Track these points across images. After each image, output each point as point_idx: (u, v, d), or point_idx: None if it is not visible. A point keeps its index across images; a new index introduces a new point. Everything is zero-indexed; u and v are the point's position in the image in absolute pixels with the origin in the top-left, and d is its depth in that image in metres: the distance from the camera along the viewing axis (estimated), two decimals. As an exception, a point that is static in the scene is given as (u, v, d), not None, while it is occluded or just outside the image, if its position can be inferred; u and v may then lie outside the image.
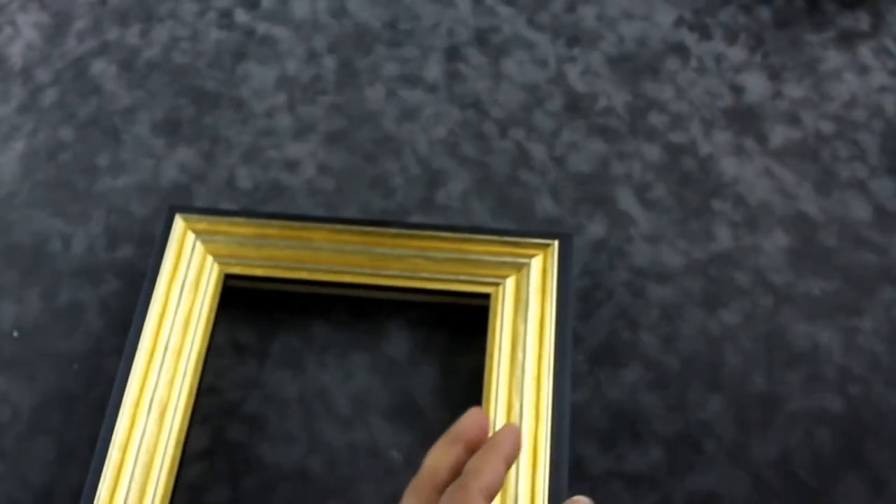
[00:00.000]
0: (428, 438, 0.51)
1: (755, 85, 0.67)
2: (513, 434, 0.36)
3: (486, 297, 0.54)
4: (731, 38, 0.70)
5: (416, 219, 0.60)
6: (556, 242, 0.54)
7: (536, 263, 0.54)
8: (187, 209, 0.57)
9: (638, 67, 0.68)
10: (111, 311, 0.57)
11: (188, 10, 0.72)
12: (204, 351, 0.52)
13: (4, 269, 0.59)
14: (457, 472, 0.35)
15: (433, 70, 0.68)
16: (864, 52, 0.69)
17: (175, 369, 0.51)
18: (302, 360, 0.55)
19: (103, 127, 0.65)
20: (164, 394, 0.50)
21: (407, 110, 0.66)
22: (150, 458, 0.48)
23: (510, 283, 0.53)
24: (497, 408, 0.49)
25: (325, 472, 0.51)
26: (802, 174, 0.63)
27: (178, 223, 0.55)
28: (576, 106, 0.66)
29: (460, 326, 0.56)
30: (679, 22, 0.71)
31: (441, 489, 0.34)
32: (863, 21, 0.71)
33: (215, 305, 0.54)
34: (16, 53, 0.70)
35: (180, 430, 0.49)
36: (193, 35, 0.70)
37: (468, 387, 0.53)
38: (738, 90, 0.67)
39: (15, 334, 0.56)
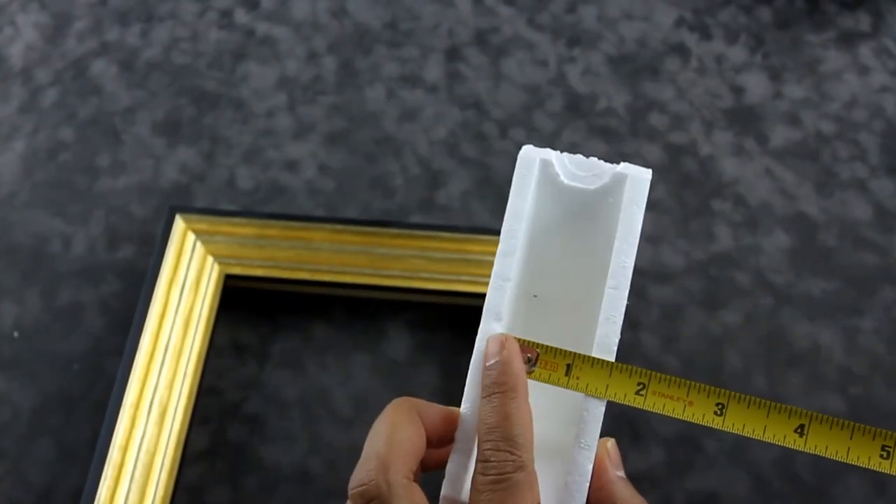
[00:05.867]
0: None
1: (755, 85, 0.67)
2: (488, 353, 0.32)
3: (487, 297, 0.54)
4: (732, 38, 0.70)
5: (416, 219, 0.60)
6: (557, 243, 0.55)
7: (537, 264, 0.54)
8: (187, 209, 0.56)
9: (638, 68, 0.68)
10: (111, 311, 0.57)
11: (188, 10, 0.72)
12: (204, 351, 0.52)
13: (5, 270, 0.59)
14: None
15: (433, 70, 0.68)
16: (865, 52, 0.69)
17: (175, 370, 0.51)
18: (302, 361, 0.55)
19: (103, 127, 0.65)
20: (165, 394, 0.50)
21: (407, 111, 0.66)
22: (151, 459, 0.48)
23: (510, 283, 0.53)
24: (497, 408, 0.49)
25: (325, 473, 0.51)
26: (802, 174, 0.63)
27: (179, 223, 0.55)
28: (576, 106, 0.66)
29: (460, 327, 0.56)
30: (679, 22, 0.71)
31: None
32: (863, 21, 0.71)
33: (216, 306, 0.54)
34: (16, 53, 0.70)
35: (181, 431, 0.49)
36: (193, 35, 0.70)
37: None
38: (738, 90, 0.67)
39: (15, 334, 0.56)
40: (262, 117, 0.65)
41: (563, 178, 0.37)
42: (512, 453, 0.28)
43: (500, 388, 0.30)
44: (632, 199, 0.36)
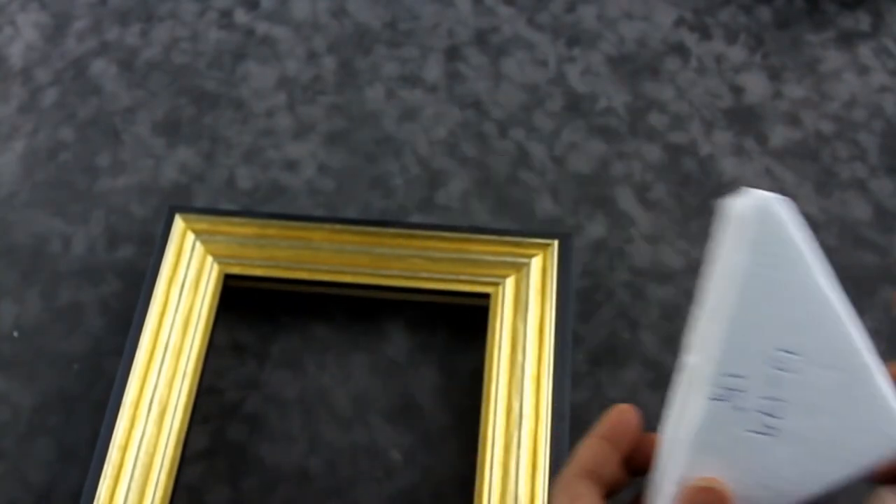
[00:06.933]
0: (427, 438, 0.51)
1: (755, 85, 0.67)
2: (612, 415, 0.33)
3: (486, 296, 0.54)
4: (732, 38, 0.70)
5: (416, 219, 0.60)
6: (556, 242, 0.54)
7: (536, 263, 0.54)
8: (187, 209, 0.56)
9: (638, 68, 0.68)
10: (111, 311, 0.57)
11: (188, 10, 0.72)
12: (204, 351, 0.52)
13: (4, 270, 0.59)
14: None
15: (433, 70, 0.68)
16: (865, 52, 0.69)
17: (175, 369, 0.51)
18: (302, 361, 0.55)
19: (103, 127, 0.65)
20: (164, 394, 0.50)
21: (407, 110, 0.66)
22: (150, 459, 0.48)
23: (510, 283, 0.53)
24: (497, 408, 0.49)
25: (325, 473, 0.51)
26: (802, 174, 0.63)
27: (178, 223, 0.55)
28: (576, 106, 0.66)
29: (460, 326, 0.56)
30: (679, 22, 0.71)
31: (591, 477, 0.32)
32: (863, 21, 0.71)
33: (215, 305, 0.54)
34: (16, 53, 0.70)
35: (180, 431, 0.49)
36: (193, 35, 0.70)
37: (468, 387, 0.53)
38: (738, 90, 0.67)
39: (15, 334, 0.56)
40: (262, 117, 0.66)
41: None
42: None
43: None
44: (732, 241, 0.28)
